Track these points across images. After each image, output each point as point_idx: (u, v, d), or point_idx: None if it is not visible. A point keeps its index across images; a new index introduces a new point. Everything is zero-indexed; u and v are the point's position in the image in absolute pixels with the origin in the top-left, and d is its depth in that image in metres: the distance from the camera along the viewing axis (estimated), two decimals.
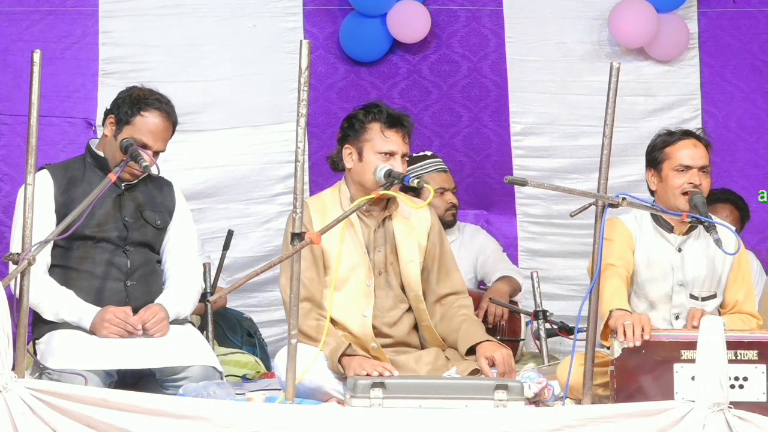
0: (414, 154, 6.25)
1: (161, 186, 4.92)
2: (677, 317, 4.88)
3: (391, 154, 4.87)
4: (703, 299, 4.91)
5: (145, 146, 4.71)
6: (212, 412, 3.91)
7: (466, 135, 7.07)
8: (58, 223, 4.51)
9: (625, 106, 6.44)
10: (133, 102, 4.78)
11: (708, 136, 5.03)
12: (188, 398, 4.23)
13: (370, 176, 4.87)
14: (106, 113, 4.84)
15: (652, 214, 4.93)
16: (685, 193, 4.83)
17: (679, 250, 4.92)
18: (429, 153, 6.40)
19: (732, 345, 4.17)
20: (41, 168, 4.80)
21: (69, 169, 4.82)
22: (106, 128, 4.81)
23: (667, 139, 4.95)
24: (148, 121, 4.76)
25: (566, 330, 5.94)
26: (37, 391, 3.86)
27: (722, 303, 4.96)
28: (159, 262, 4.91)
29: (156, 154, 4.77)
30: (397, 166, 4.84)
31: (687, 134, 4.96)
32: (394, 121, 4.89)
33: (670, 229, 4.93)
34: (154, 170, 4.66)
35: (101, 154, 4.81)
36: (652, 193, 4.99)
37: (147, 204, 4.85)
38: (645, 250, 4.90)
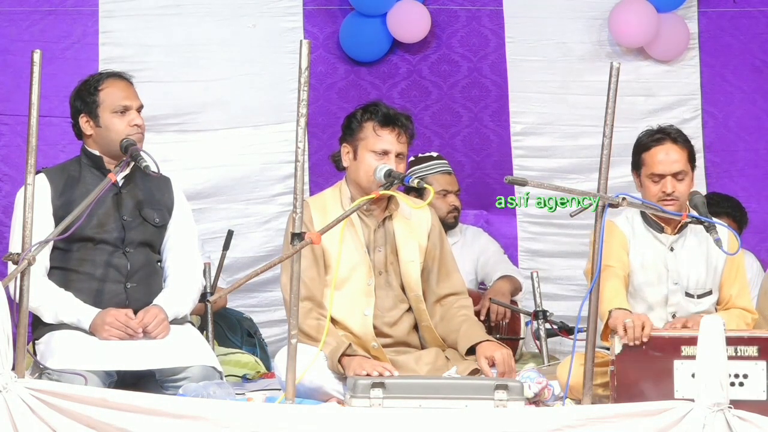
0: (419, 155, 6.26)
1: (159, 183, 4.89)
2: (674, 315, 4.89)
3: (385, 152, 4.85)
4: (699, 297, 4.92)
5: (127, 108, 4.74)
6: (212, 412, 3.91)
7: (466, 135, 7.07)
8: (56, 226, 4.50)
9: (625, 106, 6.43)
10: (86, 90, 4.80)
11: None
12: (188, 398, 4.22)
13: (365, 175, 4.86)
14: (74, 120, 4.82)
15: (642, 215, 4.93)
16: (661, 200, 4.83)
17: (671, 249, 4.92)
18: (435, 154, 6.38)
19: (732, 341, 4.17)
20: (38, 172, 4.79)
21: (65, 171, 4.81)
22: (85, 130, 4.80)
23: (644, 143, 4.94)
24: (111, 89, 4.79)
25: (566, 330, 5.94)
26: (37, 391, 3.86)
27: (718, 299, 4.96)
28: (160, 261, 4.90)
29: (139, 111, 4.78)
30: (392, 165, 4.83)
31: (663, 137, 4.93)
32: (388, 120, 4.88)
33: (661, 229, 4.94)
34: (153, 169, 4.65)
35: (96, 152, 4.80)
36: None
37: (145, 202, 4.84)
38: (639, 251, 4.91)
